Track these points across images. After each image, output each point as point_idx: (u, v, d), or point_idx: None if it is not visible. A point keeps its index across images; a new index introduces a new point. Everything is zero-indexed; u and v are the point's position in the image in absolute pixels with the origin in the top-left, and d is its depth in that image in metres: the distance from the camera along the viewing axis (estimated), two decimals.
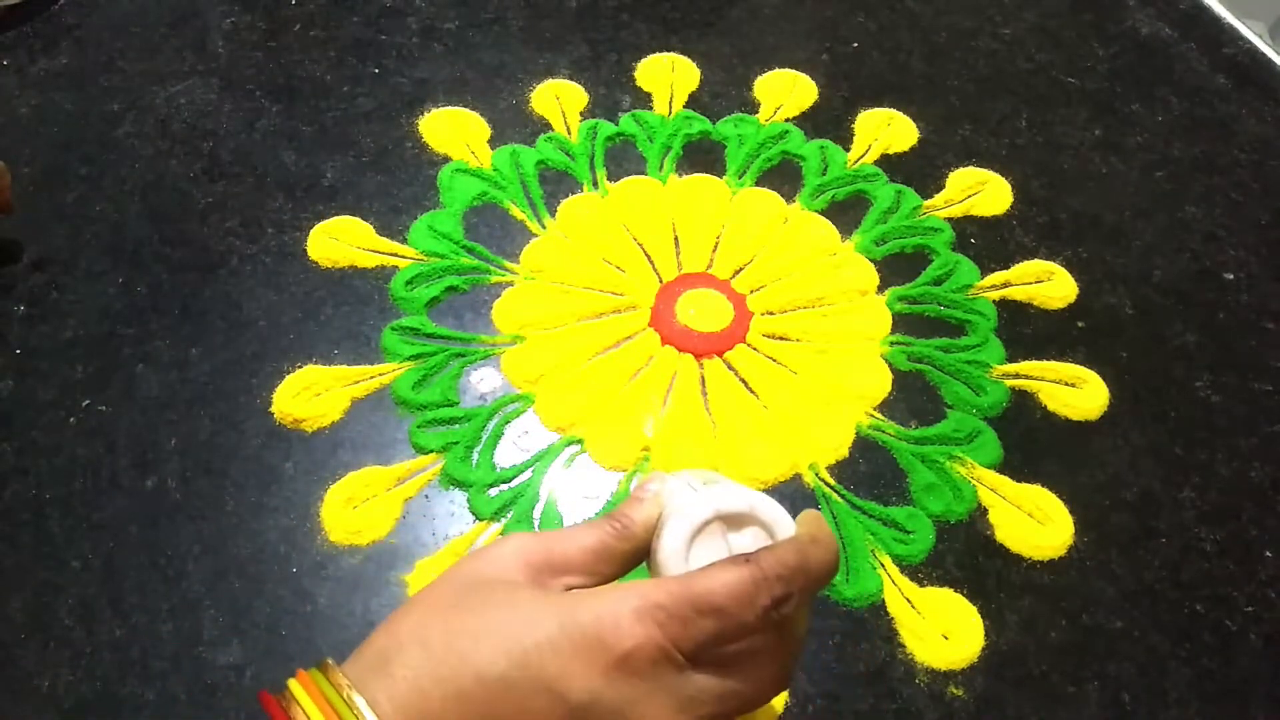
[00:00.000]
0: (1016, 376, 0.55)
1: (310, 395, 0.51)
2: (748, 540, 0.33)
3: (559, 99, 0.67)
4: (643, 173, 0.63)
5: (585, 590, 0.31)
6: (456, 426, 0.51)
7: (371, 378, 0.52)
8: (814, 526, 0.32)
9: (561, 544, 0.32)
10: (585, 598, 0.30)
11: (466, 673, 0.29)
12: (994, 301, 0.58)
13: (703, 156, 0.64)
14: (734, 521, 0.33)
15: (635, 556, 0.33)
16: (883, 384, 0.54)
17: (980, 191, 0.64)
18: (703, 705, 0.29)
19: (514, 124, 0.65)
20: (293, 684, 0.30)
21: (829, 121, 0.67)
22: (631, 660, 0.28)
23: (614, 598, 0.29)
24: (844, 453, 0.51)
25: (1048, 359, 0.55)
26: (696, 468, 0.39)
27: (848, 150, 0.65)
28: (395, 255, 0.58)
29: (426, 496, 0.48)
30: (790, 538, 0.32)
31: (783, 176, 0.64)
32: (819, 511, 0.33)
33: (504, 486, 0.49)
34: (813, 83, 0.69)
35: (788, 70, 0.70)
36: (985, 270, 0.59)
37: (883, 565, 0.47)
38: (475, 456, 0.50)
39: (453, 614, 0.30)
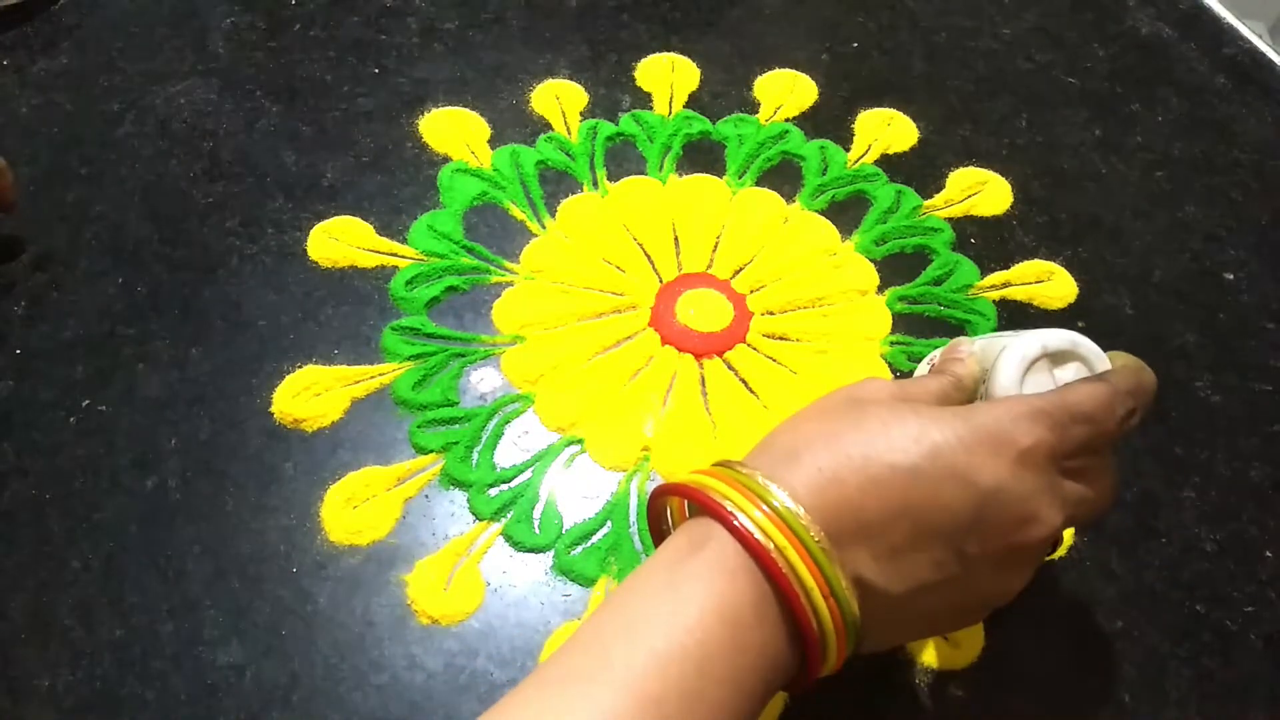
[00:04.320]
0: None
1: (310, 395, 0.51)
2: (1070, 374, 0.37)
3: (559, 99, 0.67)
4: (643, 173, 0.63)
5: (972, 404, 0.35)
6: (456, 426, 0.51)
7: (371, 378, 0.52)
8: (1130, 359, 0.37)
9: (914, 388, 0.37)
10: (977, 407, 0.34)
11: (880, 463, 0.32)
12: (994, 301, 0.58)
13: (703, 156, 0.64)
14: (1057, 358, 0.37)
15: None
16: None
17: (980, 191, 0.64)
18: (1073, 506, 0.34)
19: (514, 124, 0.65)
20: (698, 478, 0.33)
21: (829, 121, 0.67)
22: (1030, 455, 0.32)
23: (1005, 405, 0.34)
24: None
25: None
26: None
27: (848, 150, 0.65)
28: (395, 255, 0.58)
29: (426, 496, 0.48)
30: (1121, 365, 0.37)
31: (783, 176, 0.64)
32: (1121, 352, 0.38)
33: (504, 486, 0.49)
34: (813, 83, 0.69)
35: (788, 70, 0.70)
36: (985, 270, 0.59)
37: None
38: (475, 456, 0.50)
39: (857, 419, 0.34)
